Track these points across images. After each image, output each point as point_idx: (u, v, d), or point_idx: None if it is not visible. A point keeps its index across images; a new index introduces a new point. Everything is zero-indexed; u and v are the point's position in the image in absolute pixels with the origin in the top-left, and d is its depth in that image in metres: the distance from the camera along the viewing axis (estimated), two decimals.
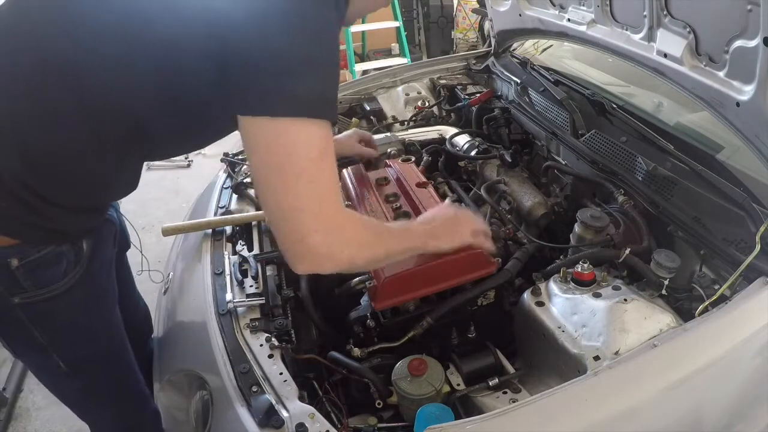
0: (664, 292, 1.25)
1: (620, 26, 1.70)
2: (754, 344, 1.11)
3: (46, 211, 1.05)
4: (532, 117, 1.99)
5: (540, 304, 1.25)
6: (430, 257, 1.28)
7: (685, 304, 1.28)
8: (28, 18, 1.02)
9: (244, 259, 1.49)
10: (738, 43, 1.25)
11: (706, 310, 1.15)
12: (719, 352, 1.08)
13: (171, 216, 3.60)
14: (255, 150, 0.91)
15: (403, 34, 5.61)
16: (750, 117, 1.28)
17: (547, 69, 2.15)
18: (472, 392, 1.16)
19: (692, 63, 1.43)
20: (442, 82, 2.52)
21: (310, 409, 1.06)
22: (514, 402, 1.08)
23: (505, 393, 1.15)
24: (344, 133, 1.84)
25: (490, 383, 1.17)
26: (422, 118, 2.35)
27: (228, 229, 1.64)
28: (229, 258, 1.51)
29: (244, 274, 1.45)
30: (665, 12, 1.47)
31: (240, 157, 2.00)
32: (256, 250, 1.57)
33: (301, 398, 1.09)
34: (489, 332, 1.36)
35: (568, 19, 1.91)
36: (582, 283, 1.25)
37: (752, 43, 1.20)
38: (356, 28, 5.42)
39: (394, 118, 2.34)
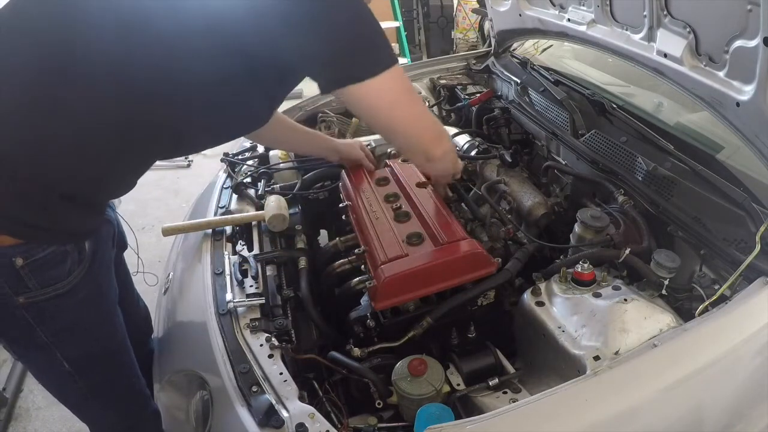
0: (664, 292, 1.25)
1: (620, 26, 1.70)
2: (754, 344, 1.11)
3: (48, 208, 1.05)
4: (532, 117, 1.99)
5: (540, 304, 1.25)
6: (430, 257, 1.28)
7: (685, 304, 1.28)
8: (29, 16, 1.02)
9: (244, 259, 1.49)
10: (738, 43, 1.25)
11: (706, 310, 1.15)
12: (719, 352, 1.08)
13: (171, 216, 3.60)
14: (372, 107, 1.11)
15: (403, 34, 5.62)
16: (750, 117, 1.28)
17: (547, 69, 2.15)
18: (472, 392, 1.16)
19: (692, 63, 1.43)
20: (442, 82, 2.52)
21: (310, 409, 1.06)
22: (514, 402, 1.08)
23: (505, 393, 1.15)
24: (347, 140, 1.85)
25: (490, 383, 1.17)
26: None
27: (228, 229, 1.64)
28: (229, 258, 1.51)
29: (244, 274, 1.45)
30: (665, 12, 1.47)
31: (240, 157, 2.01)
32: (256, 250, 1.57)
33: (301, 398, 1.09)
34: (489, 332, 1.36)
35: (568, 19, 1.91)
36: (582, 283, 1.25)
37: (752, 43, 1.20)
38: None
39: None
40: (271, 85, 1.19)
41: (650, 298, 1.22)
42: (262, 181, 1.85)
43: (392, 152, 1.94)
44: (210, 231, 1.63)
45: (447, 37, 6.26)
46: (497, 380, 1.17)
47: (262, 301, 1.35)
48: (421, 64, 2.71)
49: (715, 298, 1.17)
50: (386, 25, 5.45)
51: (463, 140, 2.05)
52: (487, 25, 3.75)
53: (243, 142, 2.09)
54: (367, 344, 1.29)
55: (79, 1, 1.03)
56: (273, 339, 1.24)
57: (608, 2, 1.71)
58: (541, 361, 1.23)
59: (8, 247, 1.04)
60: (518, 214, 1.73)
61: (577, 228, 1.46)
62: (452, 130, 2.12)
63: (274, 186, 1.83)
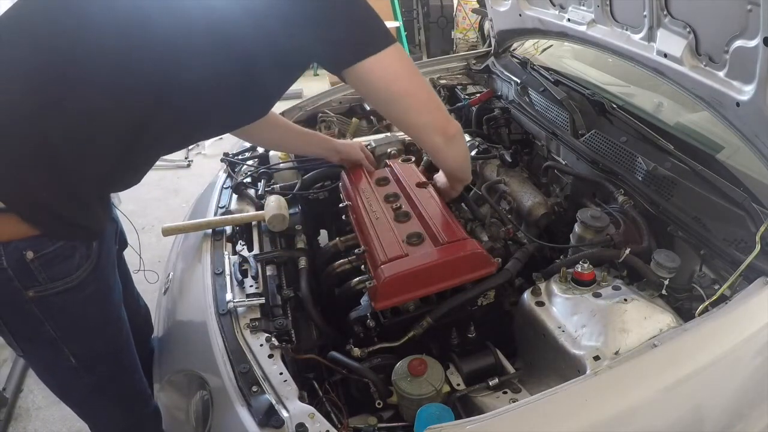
0: (664, 292, 1.25)
1: (620, 26, 1.70)
2: (754, 344, 1.10)
3: (54, 205, 1.06)
4: (532, 117, 1.99)
5: (540, 304, 1.25)
6: (430, 257, 1.28)
7: (685, 304, 1.28)
8: (31, 22, 1.04)
9: (244, 259, 1.49)
10: (738, 43, 1.25)
11: (706, 310, 1.15)
12: (719, 352, 1.08)
13: (171, 216, 3.60)
14: (383, 79, 1.15)
15: (403, 34, 5.62)
16: (750, 117, 1.28)
17: (547, 69, 2.15)
18: (472, 392, 1.16)
19: (692, 63, 1.43)
20: (442, 82, 2.52)
21: (310, 409, 1.06)
22: (514, 402, 1.08)
23: (505, 393, 1.15)
24: (347, 141, 1.85)
25: (490, 383, 1.17)
26: None
27: (228, 229, 1.64)
28: (229, 258, 1.51)
29: (244, 274, 1.45)
30: (665, 12, 1.47)
31: (240, 157, 2.01)
32: (256, 250, 1.57)
33: (301, 398, 1.09)
34: (489, 332, 1.36)
35: (568, 19, 1.91)
36: (582, 283, 1.25)
37: (752, 43, 1.20)
38: None
39: None
40: (270, 80, 1.22)
41: (650, 298, 1.22)
42: (262, 181, 1.85)
43: (392, 152, 1.94)
44: (210, 231, 1.63)
45: (447, 37, 6.26)
46: (497, 380, 1.17)
47: (262, 301, 1.35)
48: (421, 64, 2.71)
49: (715, 298, 1.17)
50: (386, 25, 5.45)
51: None
52: (487, 25, 3.76)
53: (243, 143, 2.09)
54: (367, 344, 1.29)
55: (79, 5, 1.04)
56: (273, 339, 1.24)
57: (608, 2, 1.71)
58: (541, 361, 1.23)
59: (20, 241, 1.05)
60: (518, 214, 1.73)
61: (577, 228, 1.46)
62: None
63: (274, 186, 1.83)
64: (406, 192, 1.57)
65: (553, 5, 2.00)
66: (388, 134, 2.04)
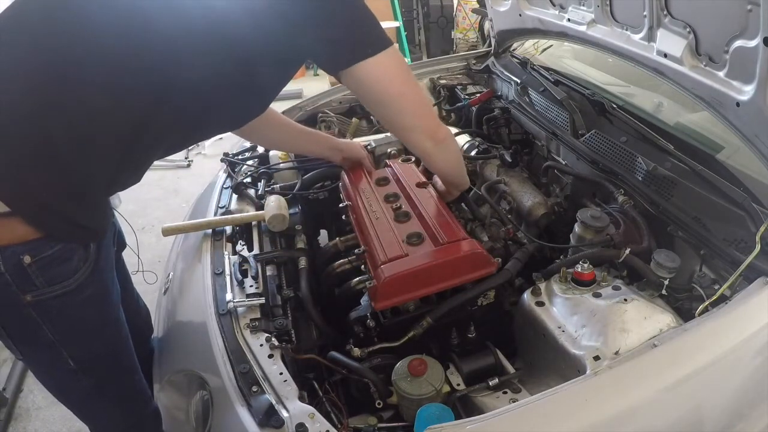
0: (664, 292, 1.25)
1: (620, 26, 1.70)
2: (754, 344, 1.10)
3: (56, 205, 1.06)
4: (532, 117, 1.99)
5: (540, 304, 1.25)
6: (430, 257, 1.28)
7: (685, 304, 1.28)
8: (30, 21, 1.03)
9: (244, 259, 1.49)
10: (738, 43, 1.25)
11: (706, 310, 1.15)
12: (719, 352, 1.08)
13: (171, 216, 3.60)
14: (379, 82, 1.16)
15: (403, 34, 5.62)
16: (750, 117, 1.28)
17: (547, 69, 2.15)
18: (472, 392, 1.16)
19: (692, 63, 1.43)
20: (442, 82, 2.52)
21: (310, 409, 1.06)
22: (514, 402, 1.08)
23: (505, 393, 1.15)
24: (347, 140, 1.85)
25: (490, 383, 1.17)
26: None
27: (228, 229, 1.64)
28: (229, 258, 1.51)
29: (244, 274, 1.45)
30: (665, 12, 1.47)
31: (240, 157, 2.01)
32: (256, 250, 1.57)
33: (301, 398, 1.09)
34: (489, 332, 1.36)
35: (568, 19, 1.91)
36: (582, 283, 1.25)
37: (752, 43, 1.20)
38: None
39: None
40: (269, 79, 1.22)
41: (650, 298, 1.22)
42: (262, 181, 1.85)
43: (392, 152, 1.94)
44: (210, 231, 1.63)
45: (447, 37, 6.27)
46: (497, 380, 1.17)
47: (262, 301, 1.35)
48: (421, 64, 2.71)
49: (715, 298, 1.17)
50: (386, 25, 5.45)
51: (463, 140, 2.05)
52: (487, 25, 3.75)
53: (243, 142, 2.09)
54: (367, 344, 1.29)
55: (79, 4, 1.04)
56: (273, 339, 1.24)
57: (608, 2, 1.71)
58: (541, 361, 1.23)
59: (17, 245, 1.04)
60: (518, 214, 1.73)
61: (577, 228, 1.46)
62: (452, 130, 2.12)
63: (274, 186, 1.83)
64: (406, 192, 1.57)
65: (553, 5, 2.00)
66: (388, 134, 2.04)
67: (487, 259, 1.32)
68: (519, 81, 2.18)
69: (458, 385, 1.19)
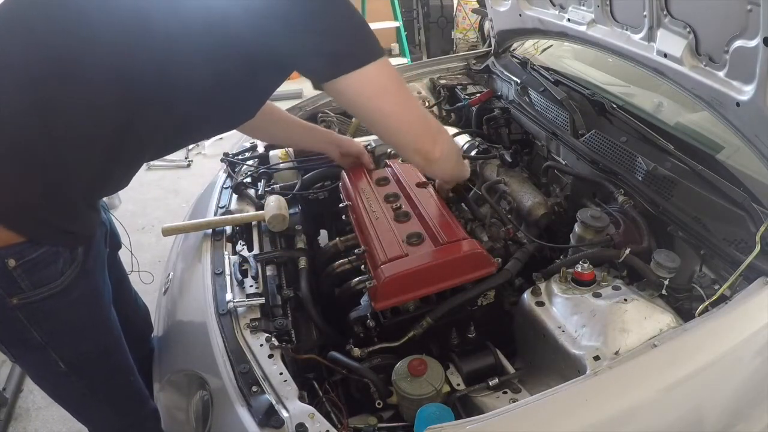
0: (664, 292, 1.25)
1: (620, 26, 1.70)
2: (754, 344, 1.10)
3: (49, 206, 1.06)
4: (532, 117, 1.99)
5: (540, 304, 1.25)
6: (430, 257, 1.28)
7: (685, 304, 1.28)
8: (27, 18, 1.03)
9: (244, 259, 1.49)
10: (738, 43, 1.25)
11: (706, 310, 1.15)
12: (719, 352, 1.08)
13: (171, 216, 3.60)
14: (362, 95, 1.10)
15: (403, 34, 5.62)
16: (750, 117, 1.28)
17: (547, 69, 2.15)
18: (472, 392, 1.16)
19: (692, 63, 1.43)
20: (442, 82, 2.52)
21: (310, 409, 1.06)
22: (514, 402, 1.08)
23: (505, 393, 1.15)
24: (347, 137, 1.85)
25: (490, 383, 1.17)
26: None
27: (228, 229, 1.64)
28: (229, 258, 1.51)
29: (244, 274, 1.45)
30: (665, 12, 1.47)
31: (240, 157, 2.01)
32: (256, 250, 1.57)
33: (301, 398, 1.09)
34: (489, 332, 1.36)
35: (568, 19, 1.91)
36: (582, 283, 1.25)
37: (752, 43, 1.20)
38: None
39: None
40: (265, 80, 1.21)
41: (650, 298, 1.22)
42: (262, 181, 1.85)
43: (392, 152, 1.94)
44: (210, 231, 1.63)
45: (447, 37, 6.27)
46: (497, 380, 1.17)
47: (262, 301, 1.35)
48: (421, 64, 2.71)
49: (715, 298, 1.17)
50: (386, 25, 5.45)
51: (463, 140, 2.05)
52: (487, 25, 3.76)
53: (243, 142, 2.09)
54: (367, 344, 1.29)
55: (78, 2, 1.03)
56: (273, 339, 1.24)
57: (608, 2, 1.71)
58: (541, 361, 1.23)
59: (0, 248, 1.04)
60: (518, 214, 1.73)
61: (577, 228, 1.46)
62: (452, 130, 2.12)
63: (274, 186, 1.83)
64: (406, 192, 1.57)
65: (553, 5, 2.00)
66: None
67: (487, 259, 1.32)
68: (519, 81, 2.18)
69: (458, 385, 1.19)
